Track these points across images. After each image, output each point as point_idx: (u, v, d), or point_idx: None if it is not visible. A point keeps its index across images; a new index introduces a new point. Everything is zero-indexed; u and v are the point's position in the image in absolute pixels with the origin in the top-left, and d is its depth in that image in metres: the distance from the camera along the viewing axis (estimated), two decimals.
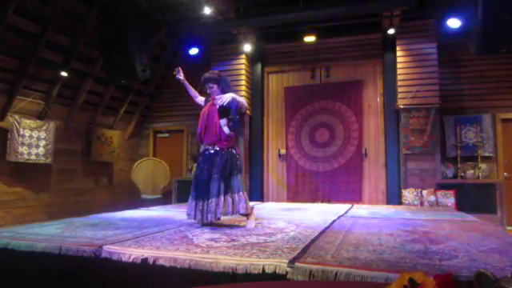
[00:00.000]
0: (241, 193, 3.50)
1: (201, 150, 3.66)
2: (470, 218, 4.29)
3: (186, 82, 3.91)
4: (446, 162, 6.26)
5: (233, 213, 3.48)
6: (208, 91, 3.66)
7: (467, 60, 6.51)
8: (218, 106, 3.51)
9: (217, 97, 3.56)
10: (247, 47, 7.03)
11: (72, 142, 7.19)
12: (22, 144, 6.00)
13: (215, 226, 3.49)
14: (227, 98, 3.46)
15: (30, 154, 6.11)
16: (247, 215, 3.57)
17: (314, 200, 6.75)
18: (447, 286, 1.33)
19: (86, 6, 6.10)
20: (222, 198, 3.42)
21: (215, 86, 3.60)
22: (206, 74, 3.65)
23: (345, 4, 5.77)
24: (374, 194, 6.67)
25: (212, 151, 3.54)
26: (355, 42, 6.95)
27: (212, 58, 7.40)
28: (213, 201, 3.40)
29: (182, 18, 6.79)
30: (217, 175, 3.45)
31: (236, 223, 3.68)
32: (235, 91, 3.84)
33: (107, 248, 2.47)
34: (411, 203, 5.87)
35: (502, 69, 6.35)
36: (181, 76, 3.87)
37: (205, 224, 3.47)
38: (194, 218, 3.50)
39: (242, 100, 3.69)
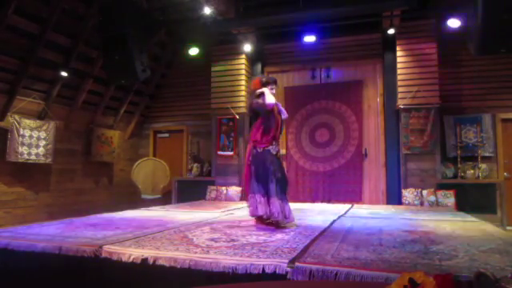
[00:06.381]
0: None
1: (275, 151, 3.70)
2: (470, 218, 4.30)
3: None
4: (446, 161, 6.26)
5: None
6: (273, 91, 3.86)
7: (467, 60, 6.50)
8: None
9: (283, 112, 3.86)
10: (247, 47, 7.02)
11: (72, 142, 7.18)
12: (22, 144, 6.00)
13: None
14: None
15: (30, 154, 6.11)
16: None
17: (313, 200, 6.75)
18: (447, 286, 1.32)
19: (86, 6, 6.10)
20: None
21: (274, 88, 3.89)
22: (273, 77, 3.99)
23: (345, 4, 5.76)
24: (374, 193, 6.66)
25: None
26: (355, 41, 6.94)
27: (212, 58, 7.40)
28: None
29: (181, 17, 6.80)
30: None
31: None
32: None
33: (107, 248, 2.47)
34: (411, 203, 5.86)
35: (502, 69, 6.33)
36: None
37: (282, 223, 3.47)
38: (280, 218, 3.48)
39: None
